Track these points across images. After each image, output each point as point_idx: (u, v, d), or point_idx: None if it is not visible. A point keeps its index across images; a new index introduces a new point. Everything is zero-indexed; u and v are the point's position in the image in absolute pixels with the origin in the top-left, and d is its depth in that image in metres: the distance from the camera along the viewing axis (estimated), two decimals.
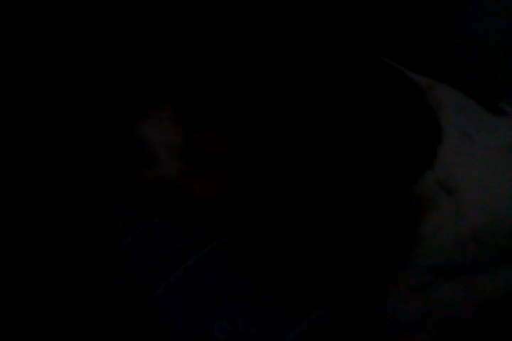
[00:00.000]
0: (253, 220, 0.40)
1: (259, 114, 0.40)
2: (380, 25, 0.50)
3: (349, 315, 0.42)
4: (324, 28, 0.48)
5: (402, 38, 0.49)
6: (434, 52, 0.48)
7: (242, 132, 0.40)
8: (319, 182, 0.38)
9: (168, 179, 0.41)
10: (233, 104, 0.40)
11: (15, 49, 0.48)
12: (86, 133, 0.43)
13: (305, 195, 0.38)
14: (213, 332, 0.37)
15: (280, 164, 0.39)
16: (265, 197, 0.40)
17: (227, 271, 0.39)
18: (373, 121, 0.38)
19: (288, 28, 0.43)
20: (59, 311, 0.46)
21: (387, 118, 0.38)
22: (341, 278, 0.39)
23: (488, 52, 0.48)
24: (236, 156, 0.40)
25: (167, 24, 0.45)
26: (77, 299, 0.45)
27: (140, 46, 0.45)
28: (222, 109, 0.40)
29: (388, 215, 0.37)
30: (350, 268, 0.39)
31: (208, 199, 0.41)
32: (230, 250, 0.40)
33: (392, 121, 0.38)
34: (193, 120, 0.41)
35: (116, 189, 0.43)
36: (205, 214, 0.41)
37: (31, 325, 0.47)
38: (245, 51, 0.40)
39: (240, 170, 0.40)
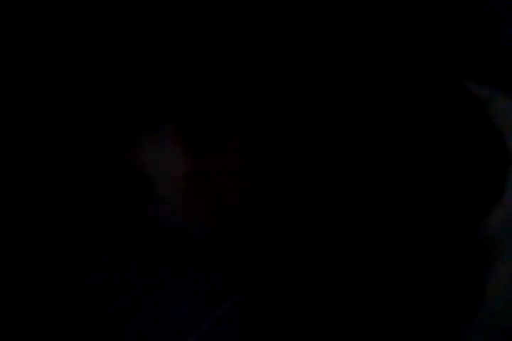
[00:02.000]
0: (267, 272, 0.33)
1: (281, 139, 0.33)
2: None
3: None
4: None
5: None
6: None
7: (261, 158, 0.34)
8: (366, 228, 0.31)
9: (167, 217, 0.35)
10: (251, 126, 0.34)
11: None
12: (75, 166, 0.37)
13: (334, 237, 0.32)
14: None
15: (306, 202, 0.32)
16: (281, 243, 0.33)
17: (250, 330, 0.32)
18: (425, 152, 0.31)
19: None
20: None
21: (445, 147, 0.31)
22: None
23: None
24: (245, 183, 0.34)
25: (167, 37, 0.39)
26: None
27: (135, 57, 0.39)
28: (238, 132, 0.34)
29: (449, 268, 0.30)
30: (401, 324, 0.32)
31: (209, 238, 0.34)
32: (248, 312, 0.33)
33: (450, 150, 0.31)
34: (199, 142, 0.34)
35: (109, 231, 0.36)
36: (210, 259, 0.35)
37: None
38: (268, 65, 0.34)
39: (249, 200, 0.34)
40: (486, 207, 0.31)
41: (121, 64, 0.37)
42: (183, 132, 0.34)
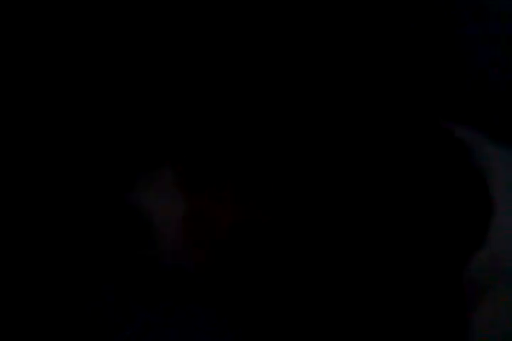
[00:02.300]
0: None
1: (276, 177, 0.35)
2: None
3: None
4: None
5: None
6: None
7: (257, 197, 0.35)
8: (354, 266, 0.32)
9: (167, 255, 0.36)
10: (243, 168, 0.35)
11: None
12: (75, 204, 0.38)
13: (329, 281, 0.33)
14: None
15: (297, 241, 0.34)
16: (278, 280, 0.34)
17: None
18: (413, 197, 0.32)
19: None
20: None
21: (433, 193, 0.33)
22: None
23: None
24: (247, 224, 0.35)
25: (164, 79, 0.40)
26: None
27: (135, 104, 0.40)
28: (230, 174, 0.35)
29: (435, 307, 0.32)
30: None
31: (207, 273, 0.36)
32: None
33: (435, 196, 0.33)
34: (197, 186, 0.36)
35: (108, 270, 0.38)
36: (208, 294, 0.36)
37: None
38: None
39: (242, 237, 0.35)
40: (469, 251, 0.32)
41: (124, 107, 0.38)
42: (180, 178, 0.35)
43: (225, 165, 0.35)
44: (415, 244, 0.32)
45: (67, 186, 0.37)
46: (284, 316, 0.35)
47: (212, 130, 0.36)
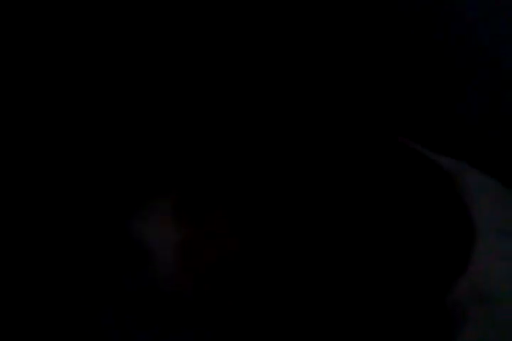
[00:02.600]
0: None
1: (265, 207, 0.36)
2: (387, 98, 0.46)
3: None
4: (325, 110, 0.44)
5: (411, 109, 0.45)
6: (454, 123, 0.44)
7: (248, 225, 0.37)
8: (329, 295, 0.34)
9: (165, 279, 0.38)
10: (236, 196, 0.37)
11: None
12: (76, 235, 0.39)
13: (313, 307, 0.35)
14: None
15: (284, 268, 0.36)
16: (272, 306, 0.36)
17: None
18: (398, 226, 0.34)
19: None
20: None
21: (416, 221, 0.34)
22: None
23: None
24: (240, 250, 0.37)
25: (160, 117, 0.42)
26: None
27: (134, 138, 0.41)
28: (225, 202, 0.37)
29: (418, 331, 0.34)
30: None
31: (201, 298, 0.37)
32: None
33: (420, 224, 0.34)
34: (193, 213, 0.37)
35: (108, 295, 0.39)
36: (202, 317, 0.38)
37: None
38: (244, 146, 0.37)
39: (242, 265, 0.37)
40: (450, 278, 0.34)
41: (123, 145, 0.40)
42: (175, 207, 0.37)
43: (218, 198, 0.37)
44: (399, 271, 0.34)
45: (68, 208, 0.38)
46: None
47: (204, 163, 0.37)
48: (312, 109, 0.42)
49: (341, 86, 0.45)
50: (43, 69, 0.47)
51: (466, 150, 0.39)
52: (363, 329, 0.33)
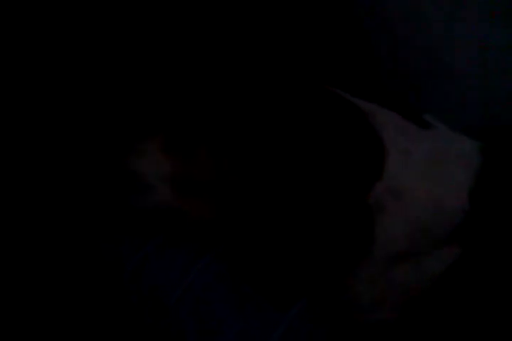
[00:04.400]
0: (243, 232, 0.48)
1: (235, 141, 0.48)
2: (319, 54, 0.59)
3: (323, 305, 0.51)
4: (266, 59, 0.56)
5: (338, 64, 0.59)
6: (368, 77, 0.58)
7: (224, 158, 0.48)
8: (286, 200, 0.47)
9: (163, 204, 0.49)
10: (214, 135, 0.48)
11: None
12: (82, 169, 0.50)
13: (278, 209, 0.47)
14: (222, 330, 0.45)
15: (252, 184, 0.48)
16: (248, 212, 0.48)
17: (227, 275, 0.47)
18: (328, 147, 0.47)
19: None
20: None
21: (341, 143, 0.47)
22: (315, 271, 0.49)
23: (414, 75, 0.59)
24: (220, 179, 0.48)
25: (155, 65, 0.53)
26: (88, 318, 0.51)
27: (126, 83, 0.52)
28: (205, 140, 0.48)
29: (349, 219, 0.47)
30: (321, 263, 0.48)
31: (201, 218, 0.49)
32: (227, 257, 0.48)
33: (345, 145, 0.47)
34: (180, 150, 0.48)
35: (116, 216, 0.50)
36: (201, 230, 0.49)
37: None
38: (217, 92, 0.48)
39: (225, 190, 0.49)
40: (369, 181, 0.47)
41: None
42: (168, 143, 0.48)
43: (198, 138, 0.48)
44: (329, 178, 0.46)
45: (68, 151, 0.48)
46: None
47: (185, 110, 0.48)
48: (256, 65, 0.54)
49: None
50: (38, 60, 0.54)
51: (377, 95, 0.53)
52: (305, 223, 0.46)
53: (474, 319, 0.48)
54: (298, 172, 0.47)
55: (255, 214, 0.48)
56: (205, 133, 0.48)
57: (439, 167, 0.49)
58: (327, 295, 0.51)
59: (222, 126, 0.47)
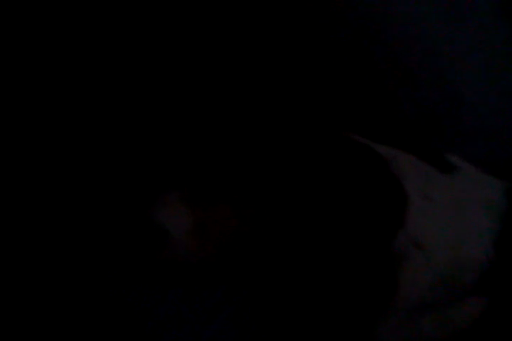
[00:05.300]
0: (266, 282, 0.48)
1: (255, 193, 0.48)
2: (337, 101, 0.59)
3: None
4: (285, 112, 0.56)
5: (353, 107, 0.58)
6: (385, 119, 0.57)
7: (244, 207, 0.48)
8: (310, 251, 0.47)
9: (183, 254, 0.49)
10: (233, 185, 0.48)
11: None
12: (104, 224, 0.50)
13: (301, 261, 0.47)
14: None
15: (276, 236, 0.48)
16: (271, 264, 0.48)
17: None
18: (350, 197, 0.47)
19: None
20: None
21: (363, 192, 0.47)
22: (339, 321, 0.49)
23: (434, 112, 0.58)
24: (240, 227, 0.49)
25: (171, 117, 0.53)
26: None
27: (144, 138, 0.53)
28: (225, 191, 0.48)
29: (372, 269, 0.47)
30: (345, 313, 0.48)
31: (221, 269, 0.49)
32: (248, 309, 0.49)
33: (367, 194, 0.47)
34: (201, 202, 0.49)
35: (136, 268, 0.50)
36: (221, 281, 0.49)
37: None
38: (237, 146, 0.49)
39: (243, 237, 0.49)
40: (391, 230, 0.47)
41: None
42: (186, 198, 0.48)
43: (219, 190, 0.48)
44: (352, 229, 0.46)
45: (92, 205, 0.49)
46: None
47: (207, 162, 0.49)
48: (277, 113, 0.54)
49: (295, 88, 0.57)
50: (46, 70, 0.54)
51: (398, 140, 0.53)
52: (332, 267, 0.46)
53: None
54: (321, 222, 0.46)
55: (279, 265, 0.48)
56: (227, 186, 0.48)
57: (462, 214, 0.48)
58: None
59: (244, 178, 0.48)
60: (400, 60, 0.57)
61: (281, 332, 0.49)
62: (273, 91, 0.56)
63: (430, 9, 0.61)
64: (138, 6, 0.55)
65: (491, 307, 0.46)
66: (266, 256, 0.49)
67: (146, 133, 0.52)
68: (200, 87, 0.56)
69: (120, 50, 0.55)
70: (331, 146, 0.49)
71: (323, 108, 0.56)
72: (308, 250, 0.47)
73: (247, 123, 0.50)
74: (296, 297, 0.48)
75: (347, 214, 0.47)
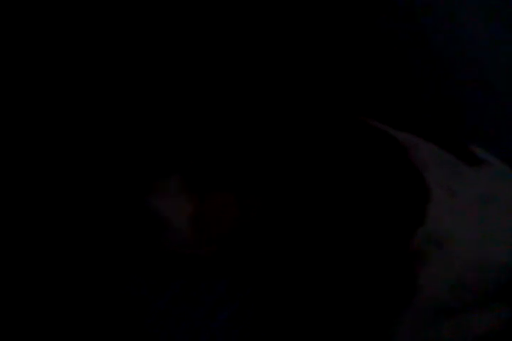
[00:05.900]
0: (273, 277, 0.44)
1: (260, 181, 0.44)
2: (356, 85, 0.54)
3: None
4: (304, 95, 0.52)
5: (374, 91, 0.54)
6: (407, 105, 0.53)
7: (247, 197, 0.45)
8: (322, 248, 0.42)
9: (183, 244, 0.45)
10: (236, 172, 0.44)
11: None
12: (102, 209, 0.47)
13: (312, 257, 0.43)
14: None
15: (285, 229, 0.44)
16: (279, 258, 0.44)
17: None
18: (366, 190, 0.42)
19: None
20: None
21: (381, 184, 0.43)
22: (356, 320, 0.45)
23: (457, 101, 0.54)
24: (242, 217, 0.45)
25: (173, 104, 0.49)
26: None
27: (146, 123, 0.49)
28: (227, 178, 0.44)
29: (390, 268, 0.43)
30: (362, 312, 0.44)
31: (221, 260, 0.45)
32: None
33: (385, 187, 0.43)
34: (202, 189, 0.45)
35: (136, 258, 0.47)
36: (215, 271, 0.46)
37: None
38: (242, 130, 0.45)
39: (245, 228, 0.45)
40: (410, 228, 0.43)
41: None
42: (187, 183, 0.44)
43: (223, 173, 0.44)
44: (368, 225, 0.42)
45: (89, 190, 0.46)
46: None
47: (207, 149, 0.45)
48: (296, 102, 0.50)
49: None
50: (45, 67, 0.52)
51: (420, 127, 0.48)
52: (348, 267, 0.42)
53: None
54: (331, 216, 0.42)
55: (285, 261, 0.44)
56: (230, 173, 0.44)
57: (487, 212, 0.44)
58: None
59: (248, 165, 0.44)
60: (428, 43, 0.53)
61: (288, 332, 0.45)
62: (286, 75, 0.52)
63: None
64: (138, 6, 0.53)
65: None
66: (270, 250, 0.45)
67: (146, 119, 0.49)
68: (204, 72, 0.52)
69: (120, 47, 0.53)
70: (344, 131, 0.44)
71: (340, 90, 0.52)
72: (317, 245, 0.43)
73: (256, 107, 0.46)
74: (303, 295, 0.44)
75: (360, 208, 0.42)
